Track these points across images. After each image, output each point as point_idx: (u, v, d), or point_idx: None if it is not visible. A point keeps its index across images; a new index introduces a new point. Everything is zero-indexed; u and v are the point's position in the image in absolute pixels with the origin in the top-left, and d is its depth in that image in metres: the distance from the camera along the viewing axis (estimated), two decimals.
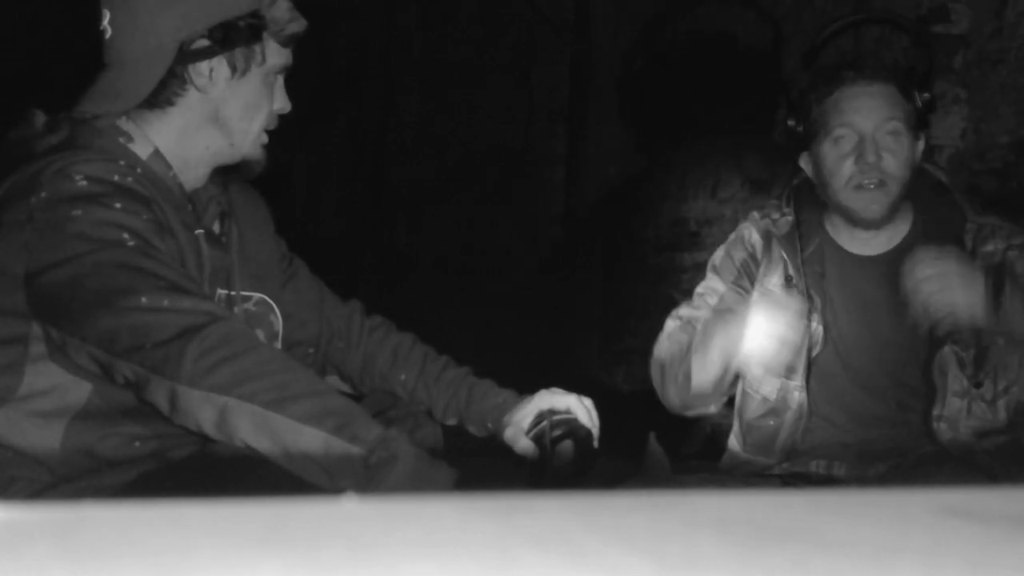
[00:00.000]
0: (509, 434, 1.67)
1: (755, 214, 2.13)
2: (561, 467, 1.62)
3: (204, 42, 1.49)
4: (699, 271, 2.19)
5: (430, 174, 5.55)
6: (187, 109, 1.53)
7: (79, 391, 1.43)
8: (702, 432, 3.56)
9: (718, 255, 2.15)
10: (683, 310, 2.12)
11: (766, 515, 0.59)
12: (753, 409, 2.04)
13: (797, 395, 2.00)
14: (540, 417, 1.65)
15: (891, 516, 0.60)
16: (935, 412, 1.93)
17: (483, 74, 5.23)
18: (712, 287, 2.10)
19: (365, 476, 1.26)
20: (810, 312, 2.00)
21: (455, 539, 0.53)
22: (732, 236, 2.16)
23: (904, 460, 1.95)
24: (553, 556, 0.50)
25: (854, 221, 1.98)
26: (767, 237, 2.08)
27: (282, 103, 1.60)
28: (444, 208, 5.42)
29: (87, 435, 1.44)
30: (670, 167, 4.10)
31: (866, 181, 1.92)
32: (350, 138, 5.98)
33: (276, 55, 1.56)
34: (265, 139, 1.60)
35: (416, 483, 1.26)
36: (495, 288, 5.00)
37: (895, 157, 1.92)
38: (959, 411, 1.92)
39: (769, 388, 2.02)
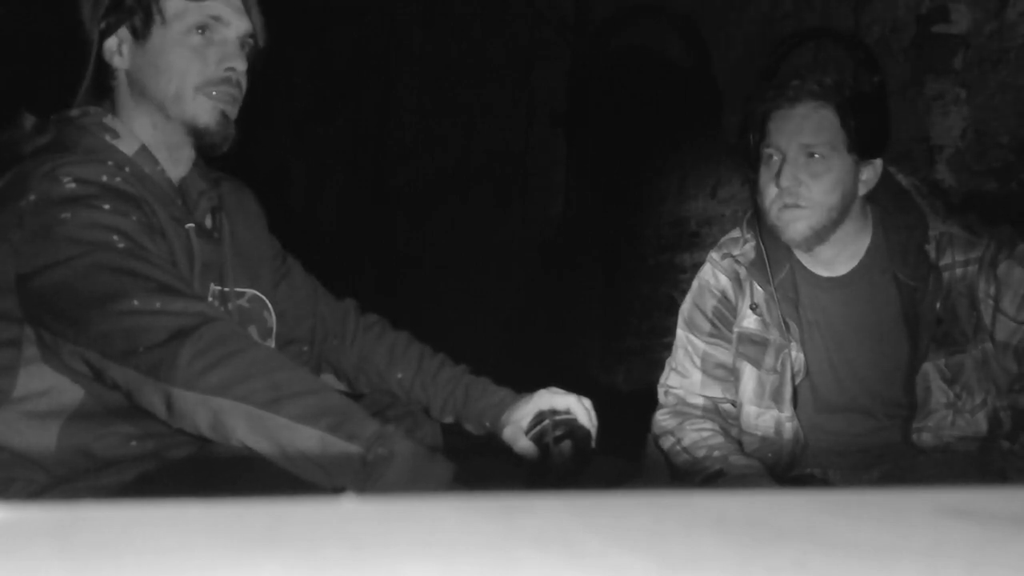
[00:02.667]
0: (508, 433, 1.67)
1: (714, 255, 2.08)
2: (559, 467, 1.62)
3: (105, 21, 1.53)
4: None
5: (430, 174, 5.55)
6: (123, 93, 1.55)
7: (73, 392, 1.43)
8: None
9: (686, 307, 2.10)
10: (672, 379, 2.10)
11: (766, 515, 0.59)
12: (753, 444, 2.04)
13: (789, 426, 1.99)
14: (540, 417, 1.64)
15: (891, 516, 0.60)
16: (916, 424, 1.93)
17: (483, 74, 5.23)
18: (690, 346, 2.07)
19: (363, 473, 1.25)
20: (788, 340, 1.98)
21: (455, 539, 0.53)
22: (695, 284, 2.10)
23: (896, 466, 1.95)
24: (553, 556, 0.50)
25: (785, 241, 1.94)
26: (734, 276, 2.03)
27: (230, 61, 1.53)
28: (444, 208, 5.42)
29: (83, 435, 1.44)
30: (670, 167, 4.10)
31: (787, 203, 1.88)
32: (350, 138, 5.98)
33: (184, 12, 1.51)
34: (225, 109, 1.55)
35: (414, 478, 1.26)
36: (495, 288, 5.00)
37: (817, 181, 1.87)
38: (944, 421, 1.92)
39: (764, 425, 2.02)
